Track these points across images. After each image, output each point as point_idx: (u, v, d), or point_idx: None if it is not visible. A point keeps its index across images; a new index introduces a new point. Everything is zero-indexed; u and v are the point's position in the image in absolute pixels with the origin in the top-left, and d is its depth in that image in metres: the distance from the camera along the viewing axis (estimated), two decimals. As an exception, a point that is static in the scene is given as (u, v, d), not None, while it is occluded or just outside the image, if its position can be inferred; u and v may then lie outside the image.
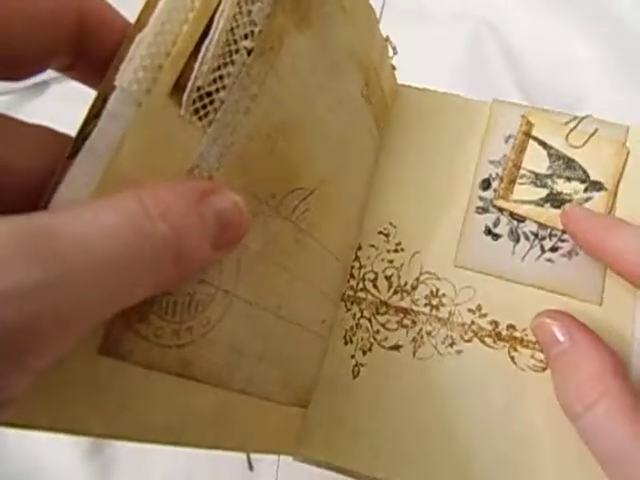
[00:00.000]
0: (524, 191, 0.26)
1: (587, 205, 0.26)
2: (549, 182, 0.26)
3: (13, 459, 0.32)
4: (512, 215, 0.26)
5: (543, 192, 0.26)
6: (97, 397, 0.14)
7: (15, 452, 0.32)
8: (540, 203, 0.26)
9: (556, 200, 0.26)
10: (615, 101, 0.35)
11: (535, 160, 0.27)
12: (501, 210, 0.26)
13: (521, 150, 0.27)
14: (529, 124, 0.27)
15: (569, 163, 0.26)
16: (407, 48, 0.28)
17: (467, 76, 0.37)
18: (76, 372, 0.14)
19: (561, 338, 0.22)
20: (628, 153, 0.26)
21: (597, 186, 0.26)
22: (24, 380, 0.11)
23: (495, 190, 0.27)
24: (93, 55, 0.16)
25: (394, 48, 0.28)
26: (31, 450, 0.32)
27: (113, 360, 0.14)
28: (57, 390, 0.13)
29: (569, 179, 0.26)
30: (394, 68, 0.29)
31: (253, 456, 0.24)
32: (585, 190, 0.26)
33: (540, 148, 0.27)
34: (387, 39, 0.28)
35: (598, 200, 0.26)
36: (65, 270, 0.11)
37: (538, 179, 0.26)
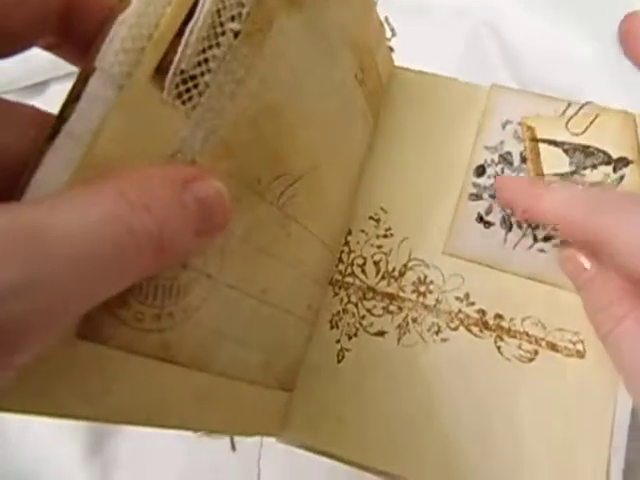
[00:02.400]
0: None
1: (623, 183, 0.25)
2: (578, 178, 0.25)
3: (13, 459, 0.32)
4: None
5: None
6: (77, 381, 0.14)
7: (15, 452, 0.33)
8: None
9: None
10: (614, 98, 0.35)
11: (554, 162, 0.26)
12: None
13: (536, 157, 0.26)
14: (530, 129, 0.27)
15: (586, 151, 0.26)
16: (406, 45, 0.27)
17: (466, 74, 0.37)
18: (55, 356, 0.14)
19: (587, 265, 0.23)
20: (635, 119, 0.26)
21: (623, 162, 0.25)
22: (7, 376, 0.11)
23: (489, 176, 0.27)
24: (80, 33, 0.15)
25: (392, 30, 0.28)
26: (31, 450, 0.33)
27: (93, 344, 0.14)
28: (36, 374, 0.13)
29: (594, 166, 0.25)
30: (392, 50, 0.28)
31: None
32: (614, 170, 0.25)
33: (553, 148, 0.26)
34: (386, 20, 0.27)
35: (631, 175, 0.25)
36: (49, 269, 0.11)
37: (565, 179, 0.25)
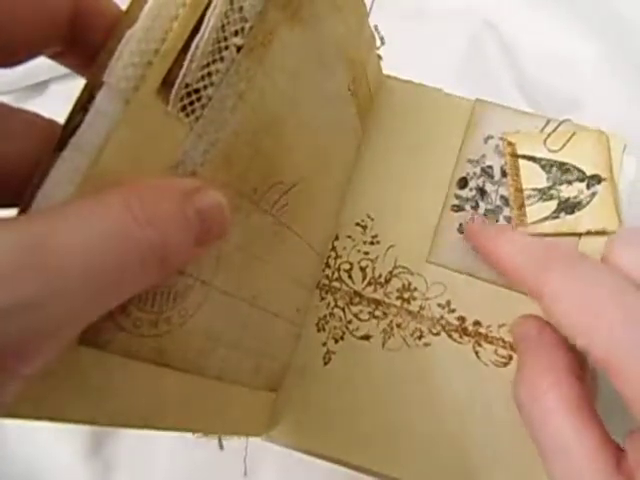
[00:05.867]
0: (536, 210, 0.26)
1: (595, 200, 0.26)
2: (554, 192, 0.26)
3: (13, 459, 0.32)
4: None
5: (553, 204, 0.26)
6: (77, 385, 0.15)
7: (15, 452, 0.32)
8: (555, 215, 0.26)
9: (568, 207, 0.26)
10: (615, 101, 0.36)
11: (532, 177, 0.27)
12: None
13: (516, 172, 0.27)
14: (511, 145, 0.27)
15: (562, 167, 0.27)
16: (406, 47, 0.27)
17: (466, 76, 0.37)
18: (57, 361, 0.14)
19: (532, 333, 0.22)
20: (607, 137, 0.27)
21: (596, 179, 0.26)
22: (16, 387, 0.11)
23: (470, 189, 0.27)
24: (84, 43, 0.15)
25: (382, 38, 0.28)
26: (31, 450, 0.32)
27: (92, 350, 0.15)
28: (36, 379, 0.14)
29: (569, 182, 0.26)
30: (380, 58, 0.29)
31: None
32: (588, 187, 0.26)
33: (531, 164, 0.27)
34: (375, 28, 0.28)
35: (603, 192, 0.26)
36: (59, 284, 0.11)
37: (543, 194, 0.26)
